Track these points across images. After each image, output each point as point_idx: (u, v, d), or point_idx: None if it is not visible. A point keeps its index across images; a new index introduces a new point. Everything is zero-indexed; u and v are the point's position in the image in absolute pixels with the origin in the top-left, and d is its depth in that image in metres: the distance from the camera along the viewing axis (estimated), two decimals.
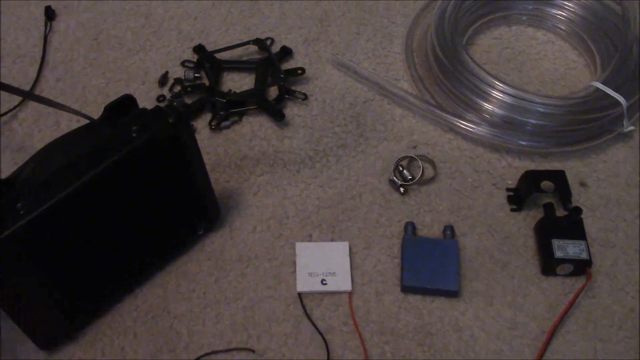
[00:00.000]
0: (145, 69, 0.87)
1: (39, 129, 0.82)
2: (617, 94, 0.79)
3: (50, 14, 0.93)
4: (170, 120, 0.60)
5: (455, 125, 0.81)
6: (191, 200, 0.68)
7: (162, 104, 0.83)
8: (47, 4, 0.93)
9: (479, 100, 0.81)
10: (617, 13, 0.87)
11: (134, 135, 0.58)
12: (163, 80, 0.86)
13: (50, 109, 0.80)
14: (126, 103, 0.62)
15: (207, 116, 0.82)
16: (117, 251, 0.65)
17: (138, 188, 0.62)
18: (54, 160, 0.57)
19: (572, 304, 0.68)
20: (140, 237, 0.66)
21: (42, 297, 0.61)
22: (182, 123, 0.60)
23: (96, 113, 0.83)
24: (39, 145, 0.80)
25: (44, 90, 0.86)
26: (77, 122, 0.82)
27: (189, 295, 0.70)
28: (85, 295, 0.66)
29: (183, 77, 0.85)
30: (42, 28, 0.91)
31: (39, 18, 0.93)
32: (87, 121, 0.63)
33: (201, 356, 0.66)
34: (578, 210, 0.71)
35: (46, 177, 0.55)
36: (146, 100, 0.84)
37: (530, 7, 0.92)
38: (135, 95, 0.84)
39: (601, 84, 0.80)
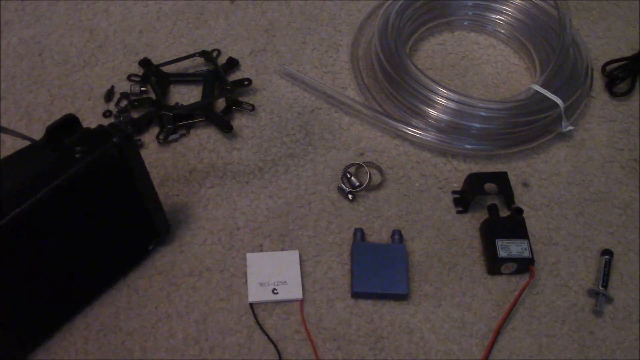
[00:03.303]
0: (91, 85, 0.87)
1: None
2: (555, 96, 0.82)
3: None
4: (114, 140, 0.59)
5: (401, 131, 0.83)
6: (139, 217, 0.68)
7: (108, 120, 0.83)
8: None
9: (424, 107, 0.83)
10: (554, 16, 0.90)
11: (78, 156, 0.58)
12: (109, 95, 0.85)
13: None
14: (69, 123, 0.61)
15: (155, 130, 0.82)
16: (66, 271, 0.64)
17: (84, 209, 0.61)
18: None
19: (516, 302, 0.70)
20: (89, 256, 0.66)
21: None
22: (127, 142, 0.60)
23: (42, 131, 0.82)
24: None
25: None
26: (23, 142, 0.81)
27: (140, 311, 0.69)
28: (34, 317, 0.65)
29: (129, 92, 0.85)
30: None
31: None
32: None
33: None
34: (519, 211, 0.73)
35: None
36: (92, 116, 0.84)
37: (470, 13, 0.94)
38: (82, 111, 0.84)
39: (539, 87, 0.83)
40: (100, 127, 0.61)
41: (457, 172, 0.81)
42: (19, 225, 0.55)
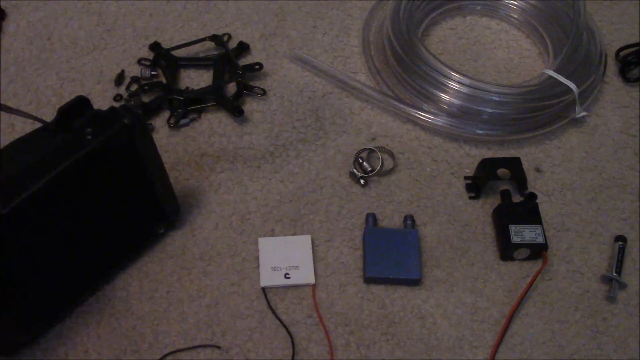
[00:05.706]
0: (101, 68, 0.86)
1: None
2: (569, 81, 0.81)
3: (0, 15, 0.91)
4: (125, 122, 0.59)
5: (413, 116, 0.82)
6: (150, 200, 0.68)
7: (119, 103, 0.82)
8: None
9: (435, 91, 0.82)
10: (567, 1, 0.89)
11: (89, 138, 0.58)
12: (119, 79, 0.85)
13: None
14: (80, 104, 0.61)
15: (165, 114, 0.82)
16: (77, 254, 0.64)
17: (94, 191, 0.61)
18: (6, 168, 0.56)
19: (529, 288, 0.70)
20: (99, 239, 0.66)
21: (1, 304, 0.60)
22: (138, 124, 0.60)
23: (51, 114, 0.81)
24: None
25: None
26: (32, 125, 0.81)
27: (151, 295, 0.69)
28: (46, 300, 0.65)
29: (140, 76, 0.85)
30: None
31: None
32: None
33: (165, 355, 0.66)
34: (533, 196, 0.73)
35: None
36: (102, 100, 0.83)
37: None
38: (91, 95, 0.84)
39: (553, 72, 0.82)
40: (111, 109, 0.61)
41: (468, 158, 0.81)
42: (30, 207, 0.55)
